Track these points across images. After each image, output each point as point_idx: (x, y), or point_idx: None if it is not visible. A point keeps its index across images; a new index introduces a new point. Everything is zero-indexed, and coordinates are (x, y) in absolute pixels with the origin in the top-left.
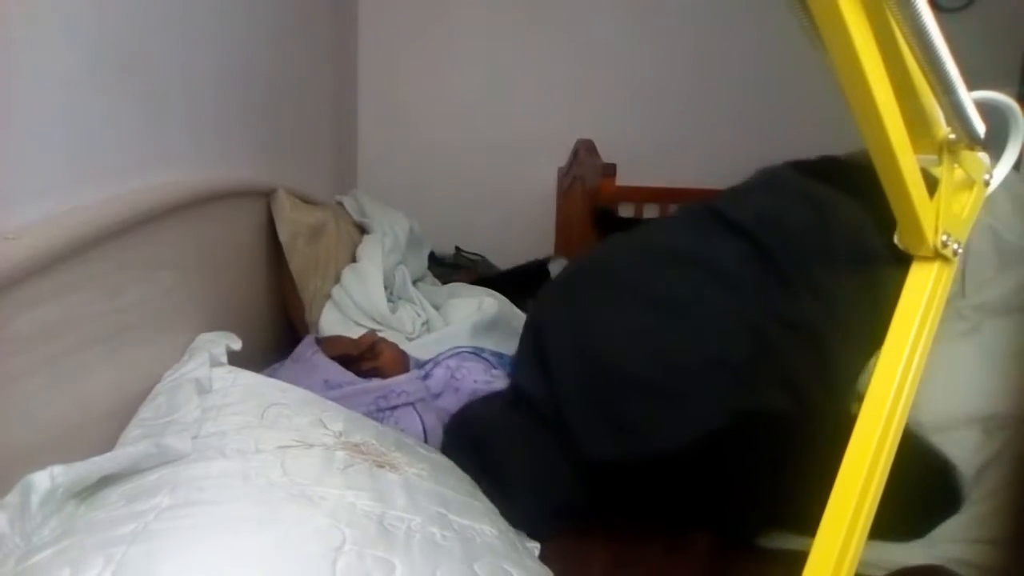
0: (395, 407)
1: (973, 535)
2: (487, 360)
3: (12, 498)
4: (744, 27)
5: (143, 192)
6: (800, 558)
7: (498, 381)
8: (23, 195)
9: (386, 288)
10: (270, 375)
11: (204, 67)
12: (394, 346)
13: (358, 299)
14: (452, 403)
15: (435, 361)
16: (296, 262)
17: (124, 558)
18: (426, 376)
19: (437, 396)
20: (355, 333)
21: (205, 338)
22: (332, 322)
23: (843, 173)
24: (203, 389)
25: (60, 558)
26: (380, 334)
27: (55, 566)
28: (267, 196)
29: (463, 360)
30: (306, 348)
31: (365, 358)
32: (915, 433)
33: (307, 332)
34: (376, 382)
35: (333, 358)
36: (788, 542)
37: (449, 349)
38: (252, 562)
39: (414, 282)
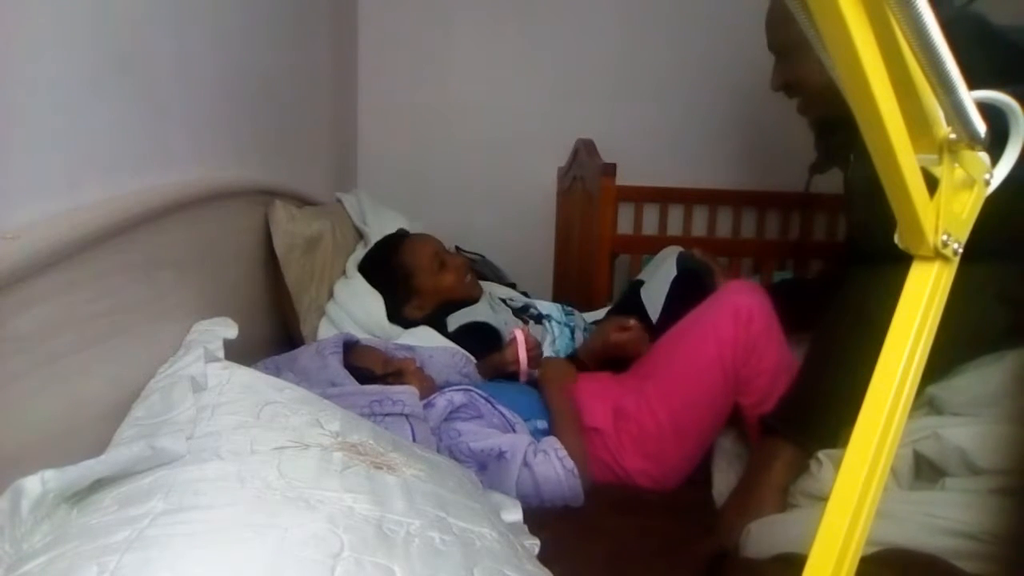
0: (388, 414)
1: (972, 529)
2: (502, 415)
3: (2, 504)
4: (745, 26)
5: (143, 192)
6: (799, 562)
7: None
8: (23, 195)
9: None
10: (289, 357)
11: (204, 67)
12: (427, 381)
13: (357, 316)
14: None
15: (441, 392)
16: (292, 274)
17: (118, 567)
18: (427, 405)
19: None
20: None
21: (200, 328)
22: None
23: None
24: (198, 387)
25: (52, 567)
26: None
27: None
28: (267, 196)
29: (470, 407)
30: (329, 344)
31: (388, 381)
32: None
33: (303, 342)
34: (375, 387)
35: (355, 367)
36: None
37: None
38: (250, 571)
39: None
